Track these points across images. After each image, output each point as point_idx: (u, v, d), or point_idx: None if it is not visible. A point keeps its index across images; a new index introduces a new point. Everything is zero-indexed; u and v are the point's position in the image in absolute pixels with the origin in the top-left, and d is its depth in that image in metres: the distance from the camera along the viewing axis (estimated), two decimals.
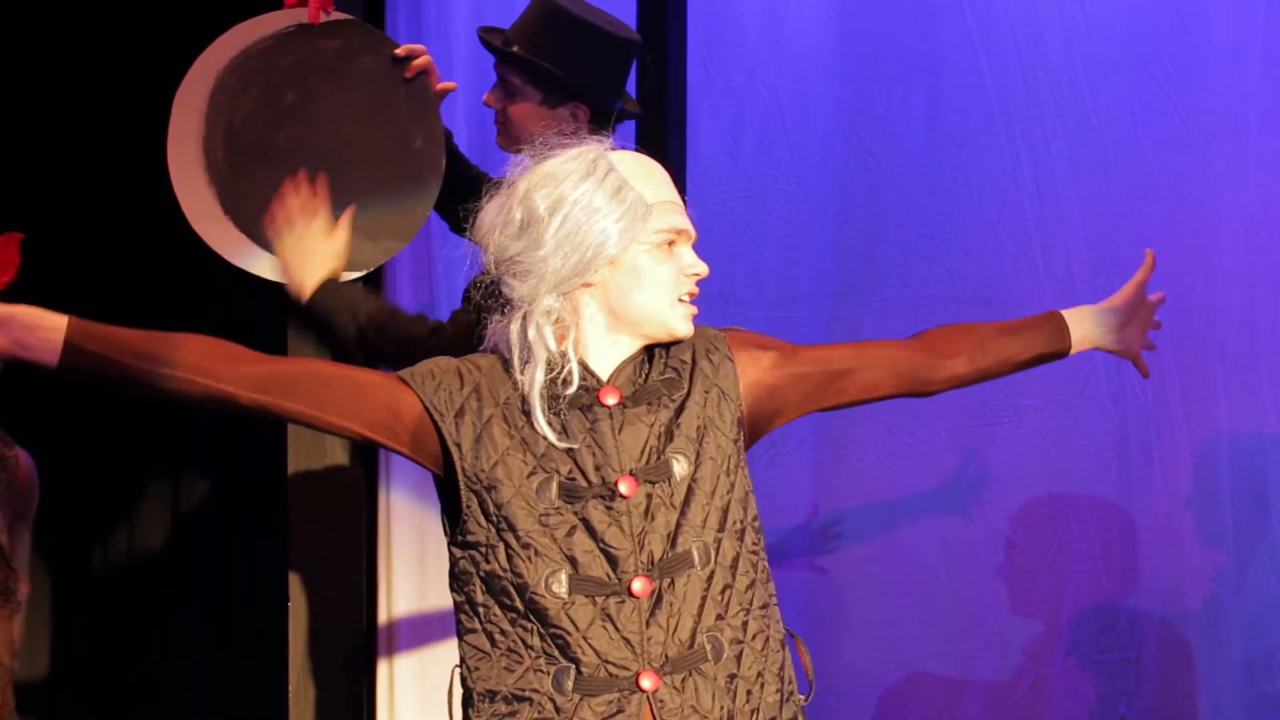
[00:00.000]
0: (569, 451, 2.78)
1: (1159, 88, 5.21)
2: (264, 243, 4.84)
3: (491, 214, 2.87)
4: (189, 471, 5.70)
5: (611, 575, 2.74)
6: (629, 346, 2.86)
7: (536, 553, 2.75)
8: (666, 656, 2.73)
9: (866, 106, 5.37)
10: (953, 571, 5.27)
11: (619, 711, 2.73)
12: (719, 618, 2.77)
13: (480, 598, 2.78)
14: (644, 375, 2.85)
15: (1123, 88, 5.21)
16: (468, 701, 2.83)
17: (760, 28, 5.36)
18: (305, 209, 4.08)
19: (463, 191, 4.08)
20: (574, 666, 2.72)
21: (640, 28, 5.19)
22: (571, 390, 2.80)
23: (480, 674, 2.79)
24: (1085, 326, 3.24)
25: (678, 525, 2.77)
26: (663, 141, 5.08)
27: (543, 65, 4.21)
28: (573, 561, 2.73)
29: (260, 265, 4.74)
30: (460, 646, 2.82)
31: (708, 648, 2.75)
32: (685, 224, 2.84)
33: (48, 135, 5.57)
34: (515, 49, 4.26)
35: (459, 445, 2.78)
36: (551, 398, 2.81)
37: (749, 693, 2.79)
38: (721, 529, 2.80)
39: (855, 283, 5.34)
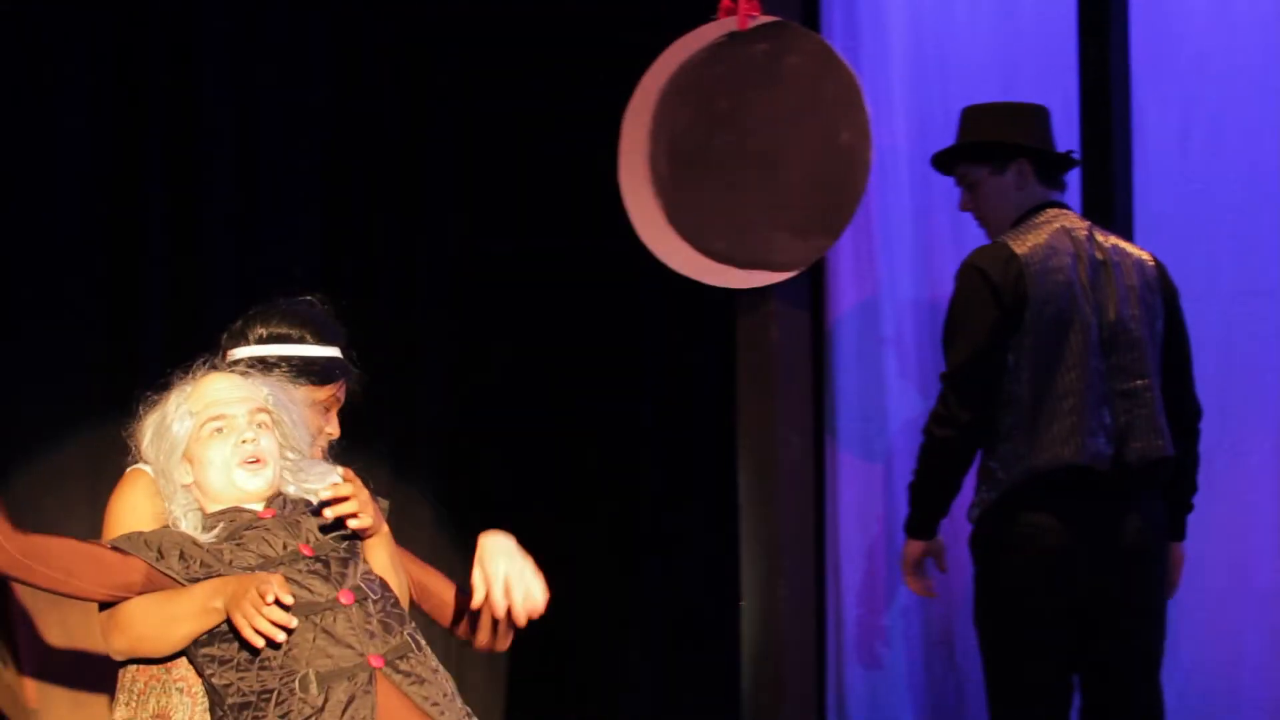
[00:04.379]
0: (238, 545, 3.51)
1: None
2: (706, 249, 4.95)
3: None
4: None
5: (321, 596, 3.43)
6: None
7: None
8: (387, 645, 3.43)
9: None
10: None
11: (356, 684, 3.36)
12: (410, 624, 3.51)
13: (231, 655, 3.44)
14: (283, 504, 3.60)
15: None
16: None
17: (1207, 14, 5.22)
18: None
19: None
20: (312, 671, 3.36)
21: (1082, 21, 5.15)
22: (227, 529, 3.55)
23: None
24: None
25: (346, 571, 3.52)
26: (1108, 139, 5.02)
27: (970, 139, 4.73)
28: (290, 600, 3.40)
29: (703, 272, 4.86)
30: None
31: (410, 643, 3.46)
32: (227, 411, 3.56)
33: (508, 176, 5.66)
34: None
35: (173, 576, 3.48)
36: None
37: (437, 680, 3.48)
38: (369, 572, 3.54)
39: None
